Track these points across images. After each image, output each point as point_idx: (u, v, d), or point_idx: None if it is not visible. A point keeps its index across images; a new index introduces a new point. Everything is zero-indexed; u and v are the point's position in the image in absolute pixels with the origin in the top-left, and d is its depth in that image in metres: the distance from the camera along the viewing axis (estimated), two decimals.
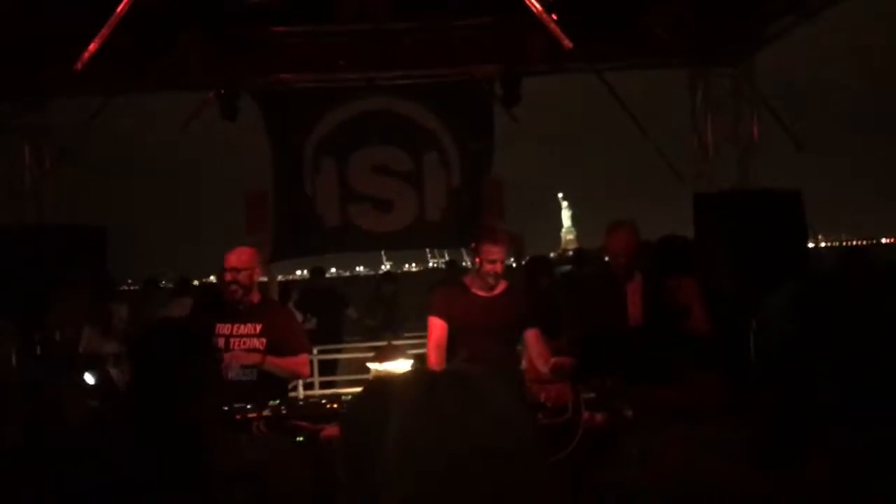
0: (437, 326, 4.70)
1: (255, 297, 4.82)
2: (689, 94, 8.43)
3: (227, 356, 4.57)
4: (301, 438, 3.99)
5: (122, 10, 4.51)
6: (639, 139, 8.36)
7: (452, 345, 4.63)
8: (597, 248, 8.19)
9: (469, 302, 4.73)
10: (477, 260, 4.72)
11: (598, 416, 4.08)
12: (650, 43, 7.82)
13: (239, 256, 4.76)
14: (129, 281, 9.81)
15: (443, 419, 1.25)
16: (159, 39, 7.05)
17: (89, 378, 4.94)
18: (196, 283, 8.29)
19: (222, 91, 7.53)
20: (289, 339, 4.78)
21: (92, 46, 4.77)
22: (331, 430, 4.05)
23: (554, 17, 6.49)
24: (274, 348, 4.68)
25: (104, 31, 4.62)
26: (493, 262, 4.64)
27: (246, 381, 4.62)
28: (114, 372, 5.44)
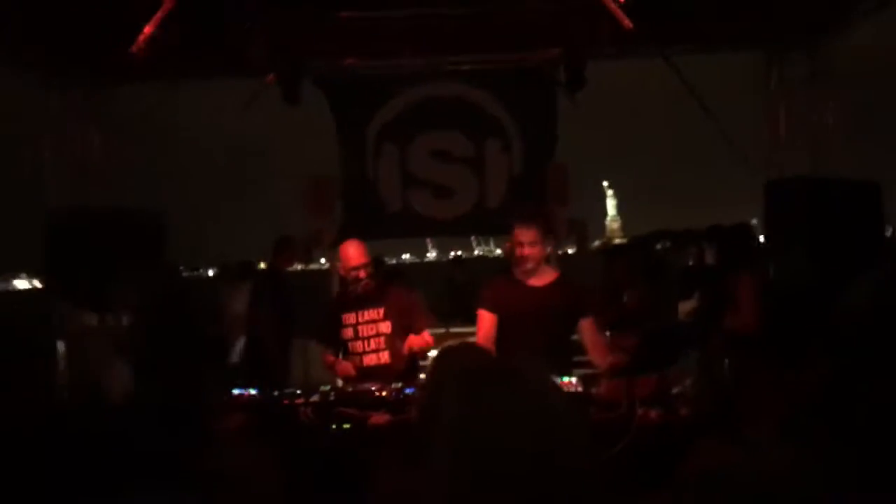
0: (486, 319, 4.64)
1: (374, 282, 5.04)
2: (763, 79, 8.12)
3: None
4: (348, 426, 3.97)
5: None
6: (703, 126, 8.09)
7: (502, 336, 4.55)
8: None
9: (517, 292, 4.65)
10: (508, 245, 4.67)
11: (653, 413, 3.96)
12: (721, 25, 7.55)
13: (359, 253, 5.00)
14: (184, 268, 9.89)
15: (489, 411, 1.29)
16: (222, 24, 7.08)
17: None
18: (262, 265, 8.30)
19: (282, 75, 7.54)
20: (410, 319, 4.97)
21: (147, 29, 4.81)
22: (378, 418, 4.03)
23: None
24: (398, 328, 4.90)
25: (159, 15, 4.66)
26: (521, 244, 4.55)
27: (381, 365, 4.86)
28: None
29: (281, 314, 7.23)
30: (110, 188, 7.97)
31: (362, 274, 4.92)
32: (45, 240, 5.98)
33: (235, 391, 4.26)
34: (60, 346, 6.52)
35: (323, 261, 9.60)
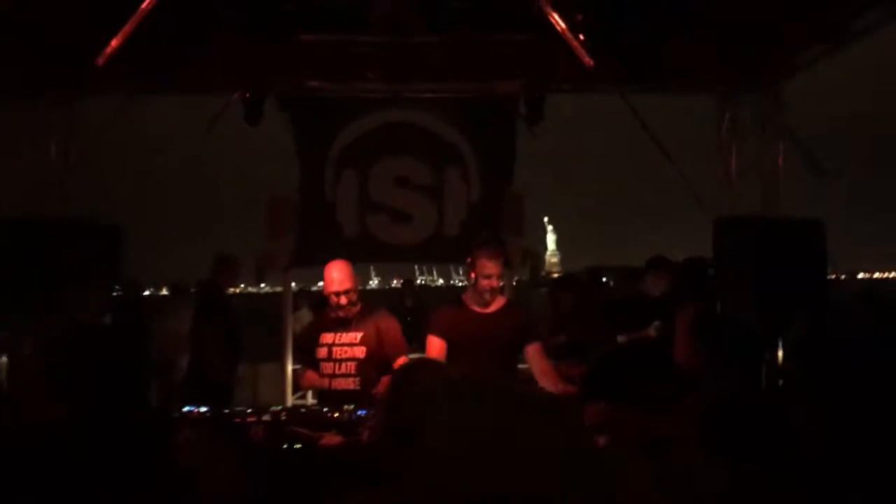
0: (436, 344, 4.70)
1: (358, 307, 4.98)
2: (715, 121, 8.34)
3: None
4: (299, 445, 3.97)
5: (147, 6, 4.55)
6: (656, 164, 8.27)
7: (451, 361, 4.60)
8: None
9: (466, 319, 4.72)
10: (472, 275, 4.71)
11: (601, 440, 4.01)
12: (676, 67, 7.75)
13: (343, 276, 4.92)
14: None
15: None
16: (187, 42, 7.08)
17: None
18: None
19: (247, 95, 7.55)
20: (387, 347, 4.92)
21: (115, 42, 4.82)
22: (330, 439, 4.04)
23: (581, 37, 6.47)
24: (373, 356, 4.86)
25: (127, 28, 4.67)
26: (488, 276, 4.63)
27: (350, 390, 4.81)
28: None
29: (224, 334, 7.08)
30: (67, 201, 7.86)
31: (343, 300, 4.88)
32: None
33: (185, 408, 4.24)
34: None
35: (263, 285, 9.58)
